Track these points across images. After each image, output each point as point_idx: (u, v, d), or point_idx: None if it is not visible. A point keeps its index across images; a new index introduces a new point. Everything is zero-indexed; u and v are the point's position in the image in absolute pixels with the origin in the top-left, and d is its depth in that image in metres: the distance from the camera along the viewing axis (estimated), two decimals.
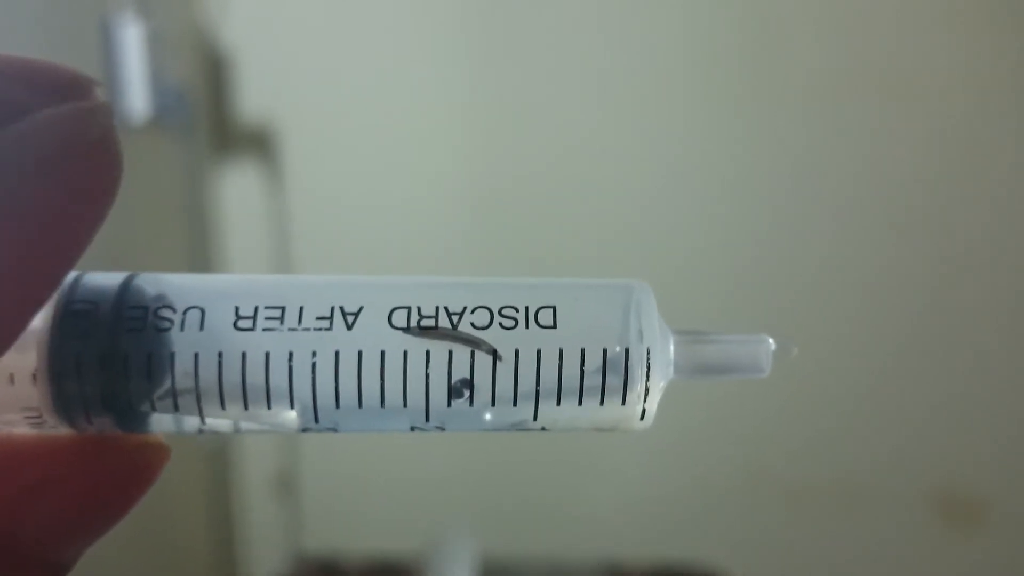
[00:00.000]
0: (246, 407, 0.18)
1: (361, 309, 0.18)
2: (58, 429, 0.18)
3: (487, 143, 1.06)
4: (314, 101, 1.06)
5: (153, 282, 0.18)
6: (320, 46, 1.04)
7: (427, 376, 0.18)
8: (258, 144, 1.05)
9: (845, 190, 1.03)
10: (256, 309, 0.18)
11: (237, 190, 1.07)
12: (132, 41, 0.81)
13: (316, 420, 0.18)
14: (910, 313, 1.06)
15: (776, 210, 1.05)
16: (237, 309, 0.18)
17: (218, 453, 1.09)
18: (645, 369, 0.19)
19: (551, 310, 0.19)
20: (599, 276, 0.20)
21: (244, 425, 0.18)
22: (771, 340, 0.21)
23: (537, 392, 0.19)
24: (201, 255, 1.02)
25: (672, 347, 0.20)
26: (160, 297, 0.18)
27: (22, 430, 0.18)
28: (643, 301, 0.19)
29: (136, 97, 0.82)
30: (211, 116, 1.05)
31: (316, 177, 1.07)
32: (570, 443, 1.12)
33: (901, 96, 1.01)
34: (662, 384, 0.19)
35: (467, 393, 0.18)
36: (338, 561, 1.14)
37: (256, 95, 1.05)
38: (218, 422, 0.18)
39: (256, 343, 0.18)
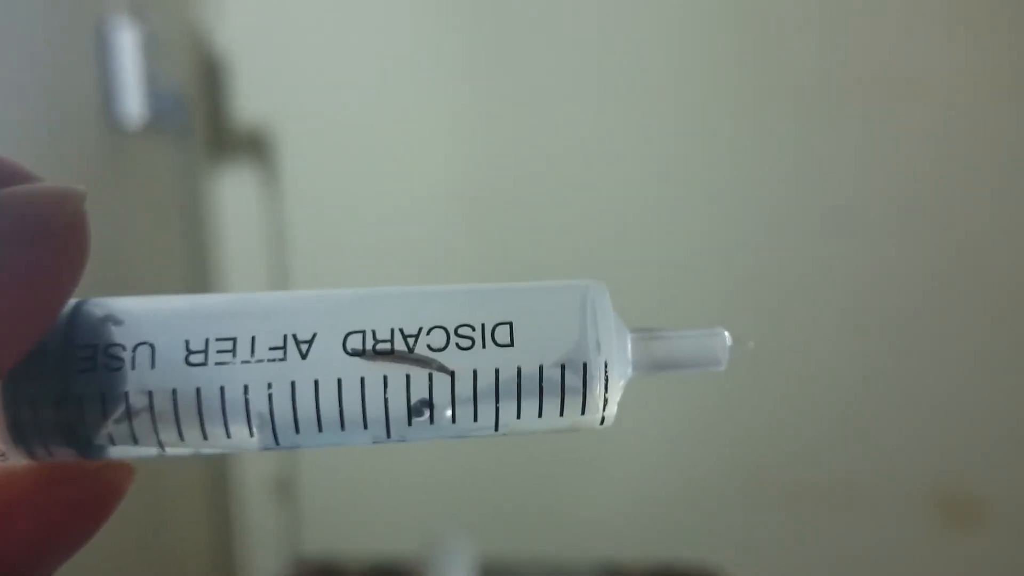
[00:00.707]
0: (205, 437, 0.18)
1: (315, 336, 0.18)
2: (20, 462, 0.18)
3: (484, 147, 1.06)
4: (310, 105, 1.06)
5: (100, 310, 0.18)
6: (316, 49, 1.04)
7: (386, 400, 0.18)
8: (254, 148, 1.05)
9: (844, 189, 1.03)
10: (207, 342, 0.18)
11: (233, 194, 1.08)
12: (128, 45, 0.81)
13: (276, 443, 0.18)
14: (908, 313, 1.05)
15: (775, 210, 1.04)
16: (187, 343, 0.18)
17: (217, 456, 1.09)
18: (603, 381, 0.19)
19: (507, 327, 0.19)
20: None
21: (204, 450, 0.18)
22: (727, 333, 0.21)
23: (497, 409, 0.19)
24: (198, 259, 1.03)
25: (630, 345, 0.20)
26: (107, 329, 0.18)
27: None
28: (599, 304, 0.19)
29: (132, 101, 0.82)
30: (207, 120, 1.05)
31: (312, 181, 1.07)
32: (569, 445, 1.12)
33: (900, 97, 1.00)
34: (621, 384, 0.20)
35: (427, 412, 0.19)
36: (337, 563, 1.14)
37: (252, 99, 1.05)
38: (177, 450, 0.18)
39: (209, 378, 0.17)
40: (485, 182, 1.07)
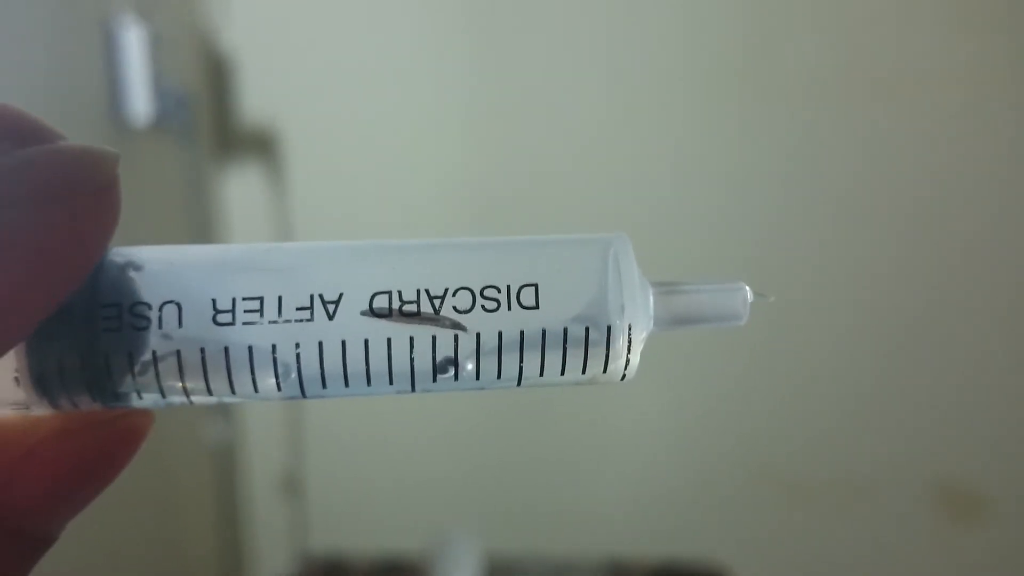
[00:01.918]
0: (233, 392, 0.18)
1: (341, 296, 0.18)
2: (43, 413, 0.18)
3: (491, 145, 1.06)
4: (316, 103, 1.06)
5: (121, 258, 0.18)
6: (322, 48, 1.04)
7: (412, 360, 0.18)
8: (260, 147, 1.06)
9: (851, 185, 1.03)
10: (234, 302, 0.18)
11: (239, 193, 1.08)
12: (134, 44, 0.82)
13: (304, 396, 0.19)
14: (911, 310, 1.05)
15: (777, 209, 1.04)
16: (214, 302, 0.18)
17: (225, 454, 1.10)
18: (627, 340, 0.19)
19: (533, 288, 0.19)
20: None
21: (229, 400, 0.19)
22: (748, 288, 0.21)
23: (521, 368, 0.19)
24: None
25: (652, 300, 0.20)
26: (129, 281, 0.17)
27: (5, 412, 0.18)
28: (622, 259, 0.20)
29: (138, 100, 0.83)
30: (213, 119, 1.05)
31: (318, 180, 1.07)
32: (574, 442, 1.12)
33: (901, 96, 1.00)
34: (643, 338, 0.20)
35: (452, 370, 0.19)
36: (344, 561, 1.14)
37: (258, 98, 1.06)
38: (203, 399, 0.18)
39: (238, 338, 0.18)
40: (492, 180, 1.07)
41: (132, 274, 0.18)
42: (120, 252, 0.18)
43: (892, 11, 1.00)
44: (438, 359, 0.18)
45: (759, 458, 1.12)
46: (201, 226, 1.02)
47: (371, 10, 1.03)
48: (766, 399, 1.09)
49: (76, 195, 0.15)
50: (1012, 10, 0.98)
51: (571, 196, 1.06)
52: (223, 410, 1.06)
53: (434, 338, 0.18)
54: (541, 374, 0.19)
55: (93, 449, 0.18)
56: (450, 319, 0.18)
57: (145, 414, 0.19)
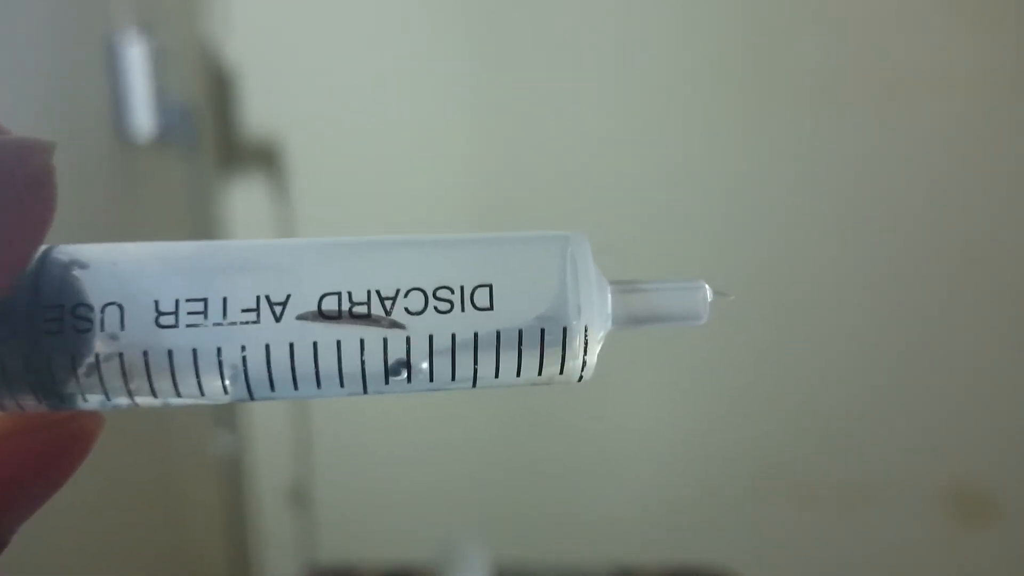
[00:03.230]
0: (178, 394, 0.18)
1: (288, 298, 0.18)
2: None
3: (495, 156, 1.06)
4: (319, 115, 1.06)
5: (65, 256, 0.18)
6: (324, 60, 1.05)
7: (362, 362, 0.18)
8: (264, 159, 1.06)
9: (853, 190, 1.03)
10: (177, 303, 0.17)
11: (244, 205, 1.08)
12: (136, 59, 0.82)
13: (251, 398, 0.18)
14: (918, 312, 1.05)
15: (782, 211, 1.04)
16: (157, 304, 0.17)
17: (232, 464, 1.10)
18: (583, 343, 0.19)
19: (487, 290, 0.18)
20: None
21: (175, 403, 0.18)
22: (708, 286, 0.21)
23: (475, 370, 0.19)
24: None
25: (609, 299, 0.20)
26: (73, 281, 0.17)
27: None
28: (579, 258, 0.19)
29: (141, 114, 0.83)
30: (216, 132, 1.06)
31: (322, 192, 1.07)
32: (581, 448, 1.12)
33: (906, 98, 1.00)
34: (600, 337, 0.19)
35: (404, 372, 0.18)
36: (352, 570, 1.14)
37: (261, 110, 1.06)
38: (148, 401, 0.18)
39: (181, 341, 0.17)
40: (496, 191, 1.07)
41: (76, 272, 0.17)
42: (64, 250, 0.18)
43: (896, 13, 0.99)
44: (390, 361, 0.18)
45: (767, 462, 1.11)
46: (205, 239, 1.02)
47: (372, 22, 1.04)
48: (774, 403, 1.08)
49: (4, 187, 0.15)
50: (1018, 12, 0.97)
51: (573, 202, 1.06)
52: (230, 420, 1.07)
53: (385, 340, 0.18)
54: (496, 375, 0.19)
55: (42, 451, 0.18)
56: (387, 318, 0.18)
57: (94, 416, 0.19)
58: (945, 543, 1.09)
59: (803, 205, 1.04)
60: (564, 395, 1.02)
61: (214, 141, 1.06)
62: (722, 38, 1.01)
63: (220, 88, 1.05)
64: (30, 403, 0.18)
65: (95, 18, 0.81)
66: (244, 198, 1.08)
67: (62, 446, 0.18)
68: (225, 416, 1.05)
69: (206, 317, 0.17)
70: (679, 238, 1.05)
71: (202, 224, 1.01)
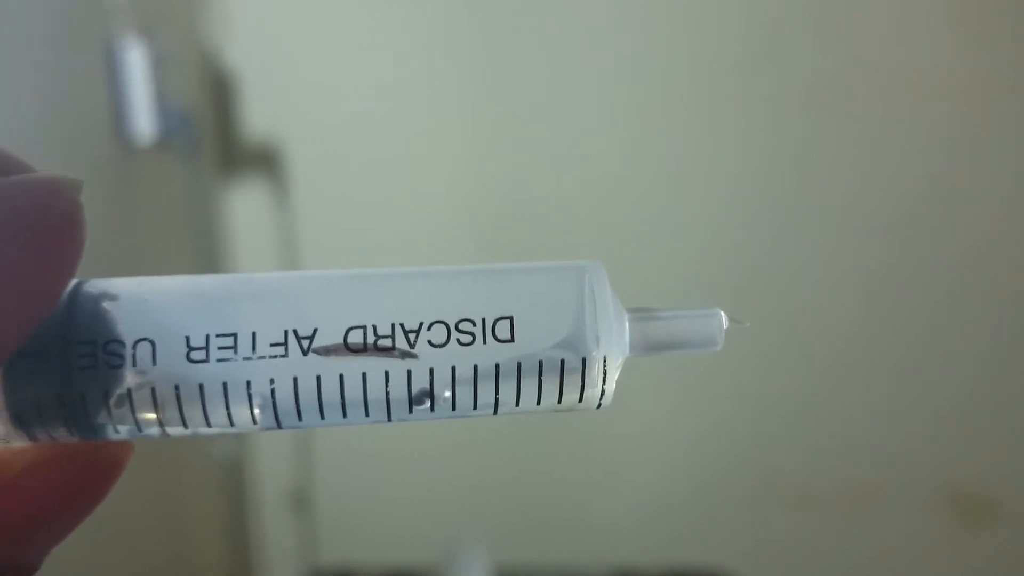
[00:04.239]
0: (208, 425, 0.18)
1: (316, 332, 0.18)
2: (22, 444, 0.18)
3: (494, 159, 1.06)
4: (319, 119, 1.06)
5: (96, 289, 0.18)
6: (324, 64, 1.05)
7: (387, 393, 0.19)
8: (264, 163, 1.06)
9: (853, 194, 1.03)
10: (207, 338, 0.18)
11: (244, 209, 1.08)
12: (137, 64, 0.82)
13: (279, 427, 0.19)
14: (918, 314, 1.05)
15: (782, 214, 1.04)
16: (188, 339, 0.18)
17: (234, 469, 1.10)
18: (602, 372, 0.19)
19: (508, 322, 0.19)
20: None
21: (204, 432, 0.19)
22: (723, 314, 0.21)
23: (496, 399, 0.19)
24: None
25: (627, 327, 0.20)
26: (104, 316, 0.18)
27: None
28: (597, 288, 0.20)
29: (141, 119, 0.83)
30: (217, 136, 1.06)
31: (322, 195, 1.07)
32: (581, 452, 1.12)
33: (904, 98, 1.00)
34: (619, 364, 0.20)
35: (427, 402, 0.19)
36: (353, 574, 1.15)
37: (261, 114, 1.06)
38: (178, 431, 0.18)
39: (211, 375, 0.18)
40: (496, 194, 1.07)
41: (107, 305, 0.18)
42: (95, 284, 0.18)
43: (896, 18, 1.00)
44: (414, 391, 0.19)
45: (766, 465, 1.11)
46: (206, 243, 1.02)
47: (373, 26, 1.04)
48: (773, 406, 1.08)
49: (36, 226, 0.15)
50: (1018, 18, 0.98)
51: (573, 204, 1.06)
52: None
53: (409, 372, 0.18)
54: (517, 404, 0.19)
55: (73, 479, 0.18)
56: (401, 349, 0.18)
57: (124, 445, 0.19)
58: (945, 544, 1.10)
59: (803, 208, 1.04)
60: None
61: (214, 145, 1.06)
62: (723, 44, 1.01)
63: (220, 92, 1.05)
64: (62, 434, 0.18)
65: (95, 23, 0.81)
66: (244, 202, 1.08)
67: (92, 474, 0.19)
68: None
69: (236, 352, 0.18)
70: (679, 239, 1.05)
71: (203, 228, 1.01)
